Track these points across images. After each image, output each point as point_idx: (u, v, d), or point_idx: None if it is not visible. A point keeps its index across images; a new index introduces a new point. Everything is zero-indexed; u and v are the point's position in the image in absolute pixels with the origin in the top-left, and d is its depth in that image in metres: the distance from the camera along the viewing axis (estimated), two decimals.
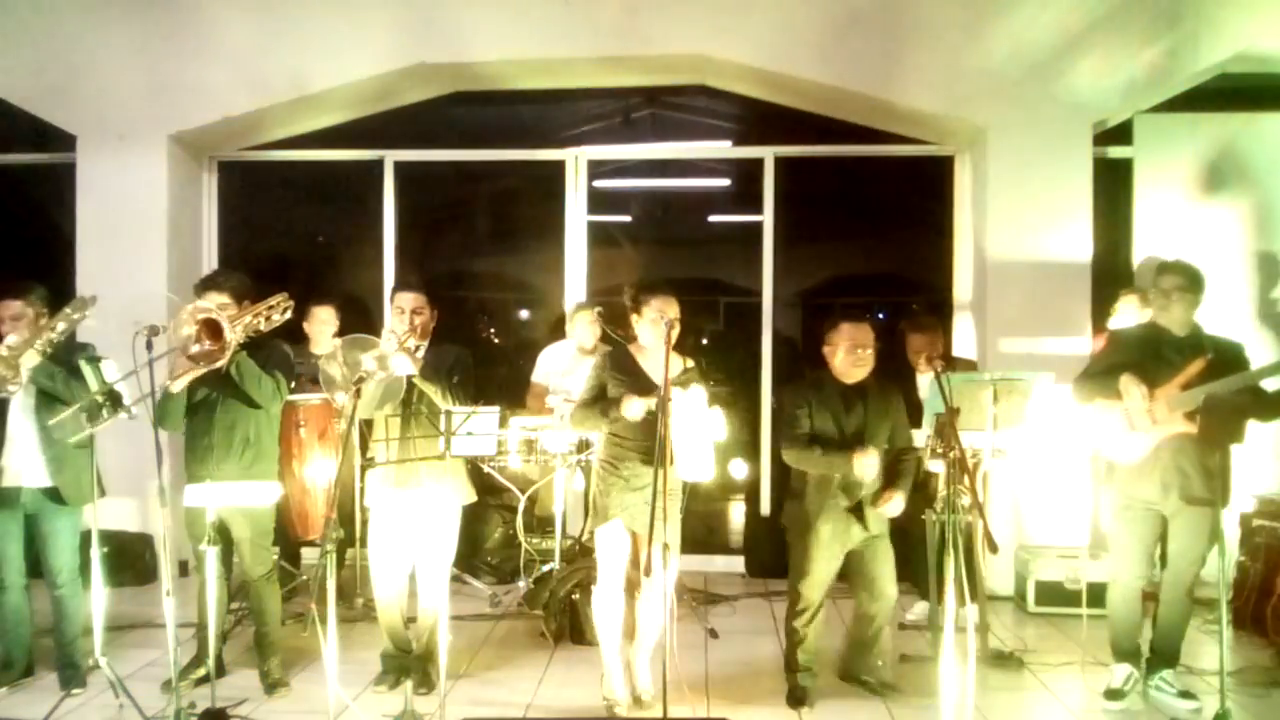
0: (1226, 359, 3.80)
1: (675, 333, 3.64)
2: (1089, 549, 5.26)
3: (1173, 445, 3.81)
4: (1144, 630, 4.09)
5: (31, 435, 3.93)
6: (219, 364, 3.68)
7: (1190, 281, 3.89)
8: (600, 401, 3.72)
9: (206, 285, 3.93)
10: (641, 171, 7.50)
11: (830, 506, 3.78)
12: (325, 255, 8.13)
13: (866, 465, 3.66)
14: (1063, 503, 5.55)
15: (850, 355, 3.75)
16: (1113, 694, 3.96)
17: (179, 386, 3.79)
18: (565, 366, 5.63)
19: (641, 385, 3.66)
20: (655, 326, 3.65)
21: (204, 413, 3.93)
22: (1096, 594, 4.92)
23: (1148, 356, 3.89)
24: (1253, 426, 3.73)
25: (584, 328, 5.61)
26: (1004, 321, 5.65)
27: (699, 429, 3.56)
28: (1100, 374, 3.98)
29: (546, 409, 5.33)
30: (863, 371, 3.78)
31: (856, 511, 3.78)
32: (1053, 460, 5.45)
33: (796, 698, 3.89)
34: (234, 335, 3.66)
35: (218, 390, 3.89)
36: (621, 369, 3.74)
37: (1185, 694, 3.90)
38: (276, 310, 3.97)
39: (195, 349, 3.64)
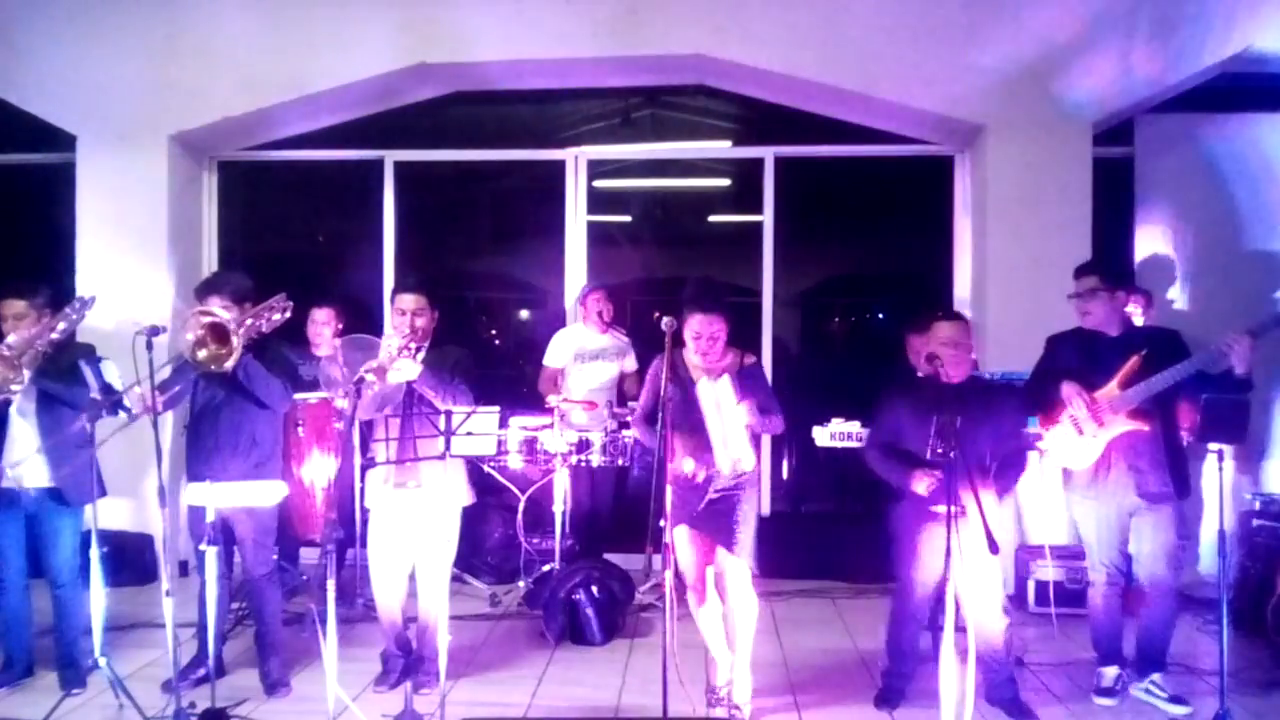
0: (1163, 350, 3.79)
1: (717, 349, 3.68)
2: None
3: (1123, 445, 3.81)
4: (1128, 633, 4.08)
5: (32, 435, 3.93)
6: (226, 368, 3.67)
7: (1103, 281, 3.89)
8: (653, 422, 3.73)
9: (208, 289, 3.92)
10: (641, 171, 7.49)
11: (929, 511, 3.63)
12: (325, 255, 8.12)
13: (924, 486, 3.59)
14: (1062, 503, 5.54)
15: (944, 354, 3.65)
16: (1104, 692, 3.98)
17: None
18: (581, 349, 5.70)
19: (682, 392, 3.68)
20: (693, 341, 3.67)
21: (209, 414, 3.92)
22: (1067, 595, 4.99)
23: (1085, 361, 3.89)
24: (1253, 427, 3.74)
25: (596, 308, 5.72)
26: (1004, 321, 5.65)
27: (730, 417, 3.56)
28: (1038, 384, 3.99)
29: (546, 406, 5.36)
30: (957, 371, 3.68)
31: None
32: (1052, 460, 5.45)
33: (888, 699, 3.83)
34: (240, 339, 3.64)
35: (224, 391, 3.88)
36: (673, 375, 3.71)
37: (1176, 699, 3.87)
38: (276, 311, 3.97)
39: (202, 354, 3.63)
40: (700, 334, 3.65)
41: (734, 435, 3.57)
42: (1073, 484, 4.02)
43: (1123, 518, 3.91)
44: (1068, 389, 3.83)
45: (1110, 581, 3.97)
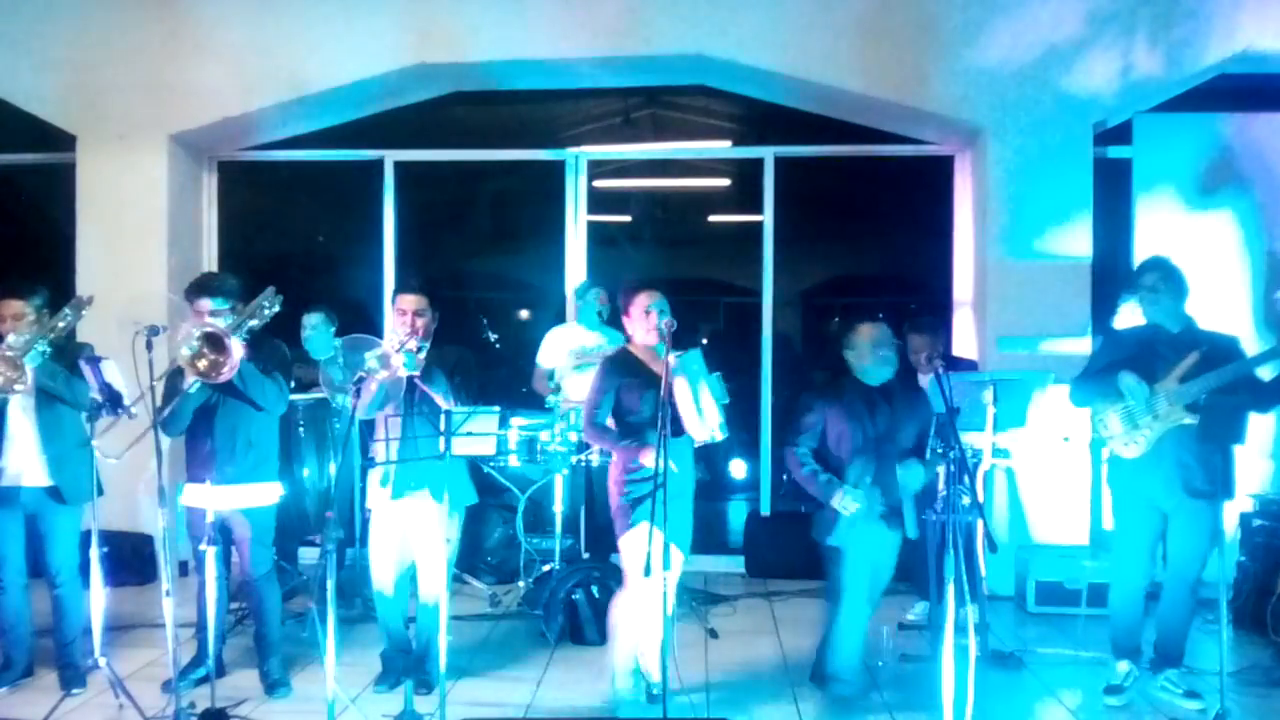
0: (1222, 352, 3.81)
1: (639, 319, 3.69)
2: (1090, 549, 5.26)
3: (1175, 439, 3.82)
4: (1144, 629, 4.09)
5: (31, 434, 3.93)
6: (224, 376, 3.65)
7: (1169, 274, 3.93)
8: (622, 436, 3.68)
9: (198, 290, 3.90)
10: (641, 171, 7.50)
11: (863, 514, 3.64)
12: (325, 255, 8.12)
13: (846, 504, 3.61)
14: (1063, 503, 5.55)
15: (873, 356, 3.69)
16: (1113, 689, 3.98)
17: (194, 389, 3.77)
18: (570, 349, 5.70)
19: (646, 383, 3.66)
20: (645, 320, 3.67)
21: (205, 416, 3.91)
22: (1096, 594, 4.95)
23: (1145, 353, 3.91)
24: (1252, 427, 3.74)
25: (593, 307, 5.73)
26: (1004, 321, 5.65)
27: (704, 388, 3.58)
28: (1098, 373, 4.00)
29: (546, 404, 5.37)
30: (886, 372, 3.71)
31: (891, 518, 3.67)
32: (1053, 460, 5.45)
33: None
34: (237, 345, 3.62)
35: (219, 393, 3.87)
36: (629, 371, 3.71)
37: (1191, 694, 3.91)
38: (267, 306, 3.94)
39: (202, 364, 3.62)
40: (652, 309, 3.65)
41: (708, 405, 3.58)
42: (1119, 475, 4.02)
43: (1163, 513, 3.92)
44: (1127, 379, 3.84)
45: (1140, 576, 3.98)
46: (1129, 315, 5.05)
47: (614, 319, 5.82)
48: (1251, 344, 3.99)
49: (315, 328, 5.43)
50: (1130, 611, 4.03)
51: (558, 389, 5.48)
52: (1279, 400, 3.86)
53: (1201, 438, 3.71)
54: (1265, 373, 3.88)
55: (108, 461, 3.73)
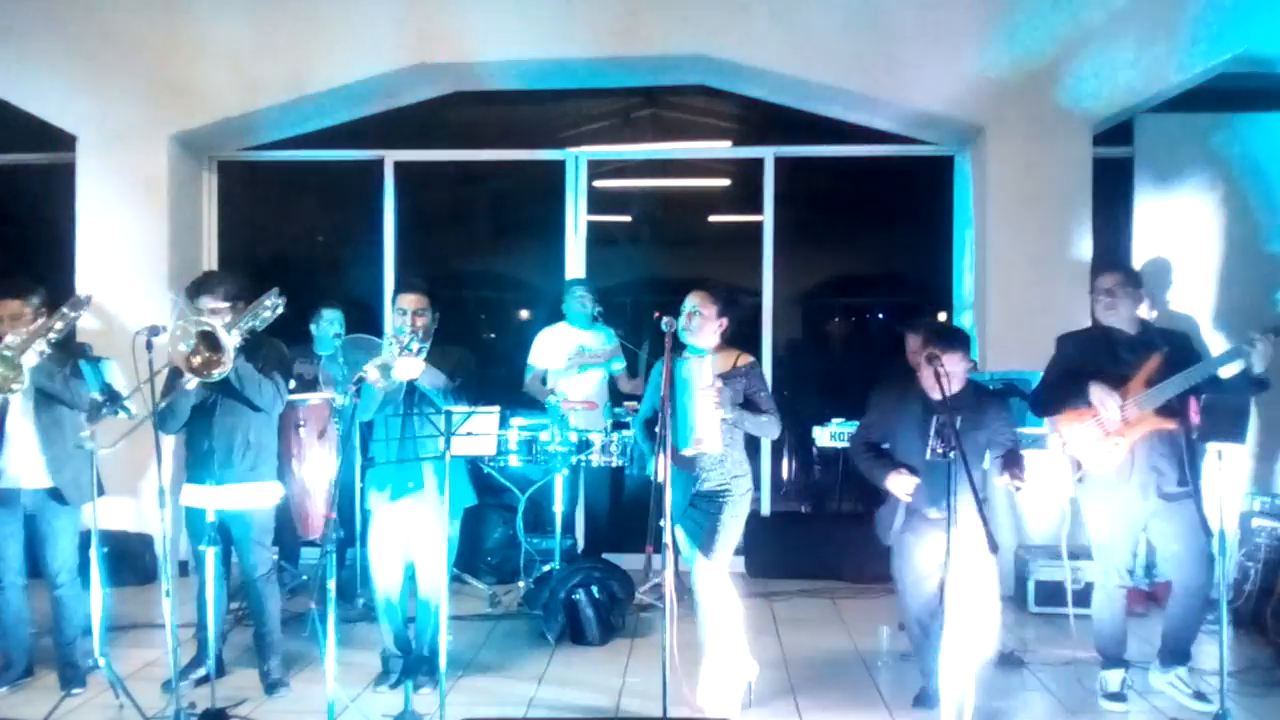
0: (1180, 350, 3.80)
1: (695, 323, 3.75)
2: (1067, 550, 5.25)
3: (1146, 444, 3.79)
4: (1129, 631, 4.08)
5: (30, 435, 3.93)
6: (219, 375, 3.65)
7: (1129, 278, 3.92)
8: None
9: (199, 289, 3.92)
10: (641, 171, 7.50)
11: (918, 515, 3.62)
12: (325, 255, 8.13)
13: (900, 485, 3.59)
14: (1062, 503, 5.54)
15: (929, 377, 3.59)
16: (1112, 697, 3.95)
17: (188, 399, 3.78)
18: (566, 350, 5.69)
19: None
20: (682, 318, 3.76)
21: (203, 416, 3.91)
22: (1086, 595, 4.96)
23: (1103, 359, 3.87)
24: (1251, 427, 3.74)
25: (576, 303, 5.73)
26: (1004, 321, 5.65)
27: (700, 395, 3.60)
28: (1059, 383, 3.96)
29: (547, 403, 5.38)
30: (954, 387, 3.59)
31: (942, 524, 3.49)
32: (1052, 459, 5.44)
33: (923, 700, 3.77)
34: (232, 345, 3.62)
35: (217, 393, 3.87)
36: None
37: (1199, 695, 3.88)
38: (269, 308, 3.95)
39: (196, 360, 3.62)
40: (689, 312, 3.75)
41: (703, 414, 3.60)
42: (1089, 485, 3.95)
43: (1138, 520, 3.88)
44: (1098, 391, 3.78)
45: (1119, 584, 3.95)
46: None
47: (606, 317, 5.84)
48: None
49: (332, 322, 5.51)
50: (1114, 621, 3.99)
51: (551, 390, 5.50)
52: (1258, 388, 3.81)
53: (1202, 437, 3.69)
54: (1226, 371, 3.84)
55: (99, 452, 3.73)
